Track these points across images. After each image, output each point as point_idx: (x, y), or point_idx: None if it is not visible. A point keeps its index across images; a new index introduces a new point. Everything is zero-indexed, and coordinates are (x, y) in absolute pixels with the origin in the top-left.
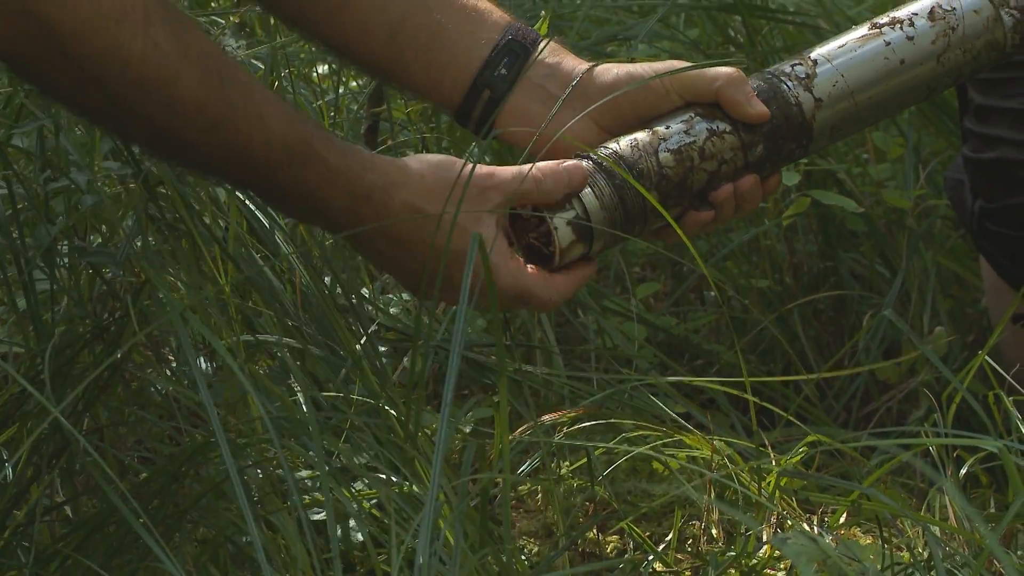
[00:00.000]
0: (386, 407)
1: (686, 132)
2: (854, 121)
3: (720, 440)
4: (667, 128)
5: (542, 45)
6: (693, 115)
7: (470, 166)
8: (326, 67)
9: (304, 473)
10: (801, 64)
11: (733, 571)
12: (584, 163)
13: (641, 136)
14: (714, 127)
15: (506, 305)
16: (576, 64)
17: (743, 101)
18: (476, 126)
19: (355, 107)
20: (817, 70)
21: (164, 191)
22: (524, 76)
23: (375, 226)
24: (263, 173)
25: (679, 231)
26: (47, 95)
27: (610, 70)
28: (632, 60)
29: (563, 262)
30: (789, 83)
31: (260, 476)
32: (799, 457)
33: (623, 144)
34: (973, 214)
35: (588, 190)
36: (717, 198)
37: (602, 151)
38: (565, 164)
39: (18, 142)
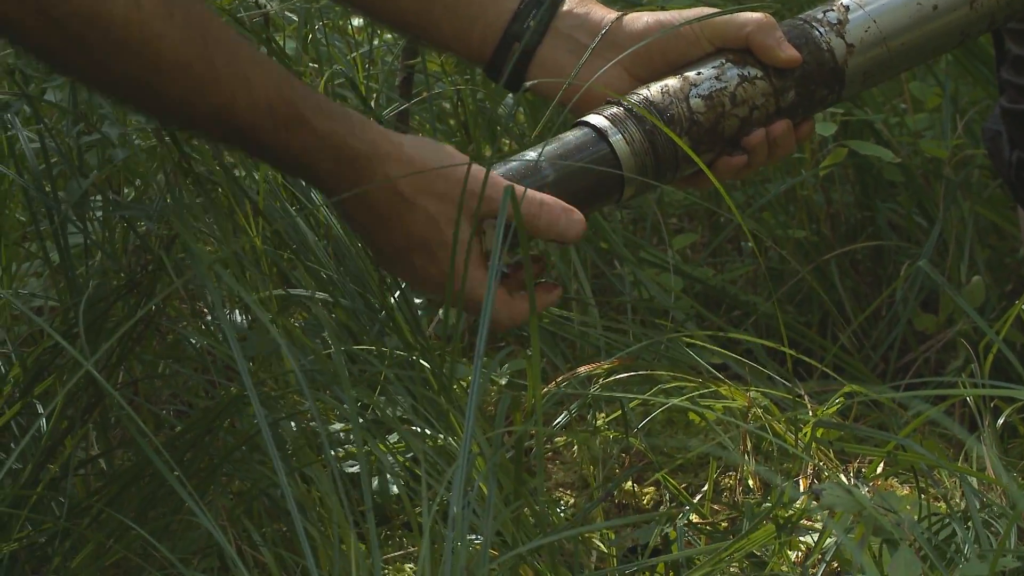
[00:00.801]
0: (420, 360)
1: (717, 78)
2: (887, 67)
3: (756, 391)
4: (698, 74)
5: None
6: (724, 61)
7: (464, 164)
8: (360, 20)
9: (338, 426)
10: (833, 10)
11: (768, 522)
12: (615, 109)
13: (672, 82)
14: (745, 73)
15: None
16: (605, 13)
17: (774, 45)
18: (507, 79)
19: (390, 59)
20: (849, 16)
21: (196, 143)
22: (553, 27)
23: (351, 193)
24: (248, 135)
25: (711, 176)
26: (32, 55)
27: (639, 18)
28: (661, 7)
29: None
30: (821, 29)
31: (294, 429)
32: (835, 408)
33: (653, 90)
34: (1011, 165)
35: (619, 136)
36: (750, 143)
37: (632, 97)
38: (571, 211)
39: (50, 96)
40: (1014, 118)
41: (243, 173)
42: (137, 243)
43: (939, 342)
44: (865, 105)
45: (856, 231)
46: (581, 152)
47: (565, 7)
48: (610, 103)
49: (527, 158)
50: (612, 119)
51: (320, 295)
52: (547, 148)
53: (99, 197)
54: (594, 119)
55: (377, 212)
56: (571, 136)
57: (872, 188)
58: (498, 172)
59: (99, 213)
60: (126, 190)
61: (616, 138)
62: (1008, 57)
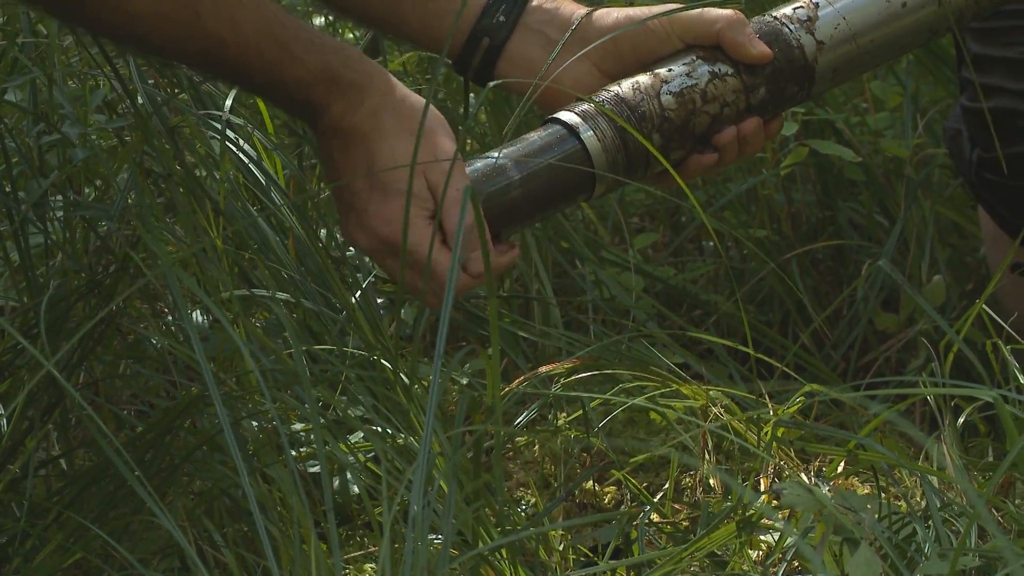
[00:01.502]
0: (381, 359)
1: (688, 75)
2: (856, 64)
3: (717, 390)
4: (669, 71)
5: None
6: (695, 58)
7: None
8: (322, 18)
9: (299, 426)
10: (803, 7)
11: (729, 521)
12: (586, 105)
13: (643, 79)
14: (716, 70)
15: (393, 270)
16: (575, 9)
17: (744, 42)
18: (476, 74)
19: None
20: (819, 13)
21: (157, 144)
22: (522, 22)
23: (331, 126)
24: (239, 74)
25: (676, 176)
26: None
27: (609, 14)
28: (631, 3)
29: None
30: (791, 26)
31: (256, 429)
32: (796, 407)
33: (625, 87)
34: (971, 164)
35: (591, 133)
36: (720, 140)
37: (604, 94)
38: (500, 248)
39: (11, 96)
40: (975, 117)
41: (203, 173)
42: (98, 243)
43: (900, 341)
44: (826, 104)
45: (817, 230)
46: (552, 149)
47: (534, 3)
48: (581, 100)
49: (494, 156)
50: (583, 115)
51: (281, 295)
52: (517, 145)
53: (60, 197)
54: (565, 116)
55: (352, 141)
56: (542, 133)
57: (833, 187)
58: (466, 171)
59: (60, 213)
60: (87, 190)
61: (587, 135)
62: (969, 56)
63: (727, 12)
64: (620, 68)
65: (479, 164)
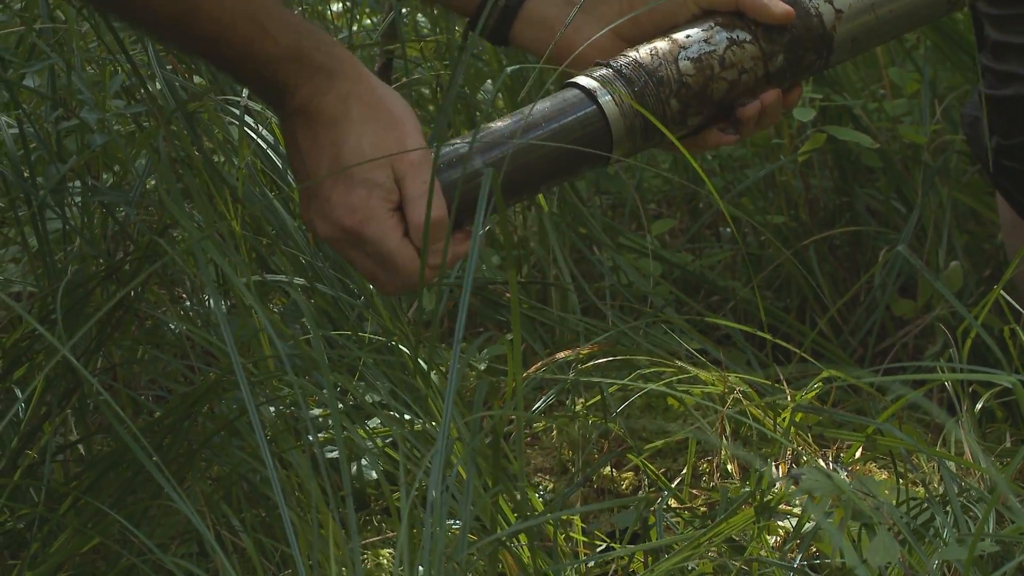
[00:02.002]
0: (399, 345)
1: (706, 41)
2: (875, 34)
3: (735, 376)
4: (687, 37)
5: None
6: (713, 24)
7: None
8: (340, 5)
9: (316, 411)
10: None
11: (747, 507)
12: (604, 70)
13: (661, 44)
14: (734, 36)
15: (354, 260)
16: None
17: (766, 2)
18: (491, 34)
19: (369, 43)
20: None
21: (175, 129)
22: None
23: (298, 107)
24: (211, 47)
25: (684, 151)
26: None
27: None
28: None
29: None
30: None
31: (273, 414)
32: (814, 393)
33: (643, 52)
34: (990, 151)
35: (609, 97)
36: (744, 114)
37: (621, 59)
38: (457, 238)
39: (29, 82)
40: (993, 104)
41: (222, 159)
42: (116, 229)
43: (917, 327)
44: (844, 91)
45: (835, 217)
46: (570, 112)
47: None
48: (599, 64)
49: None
50: (601, 80)
51: (298, 280)
52: (536, 108)
53: (78, 183)
54: (583, 80)
55: (318, 125)
56: (560, 97)
57: (851, 174)
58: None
59: (78, 199)
60: (105, 176)
61: (605, 99)
62: (988, 43)
63: None
64: (638, 33)
65: (500, 125)
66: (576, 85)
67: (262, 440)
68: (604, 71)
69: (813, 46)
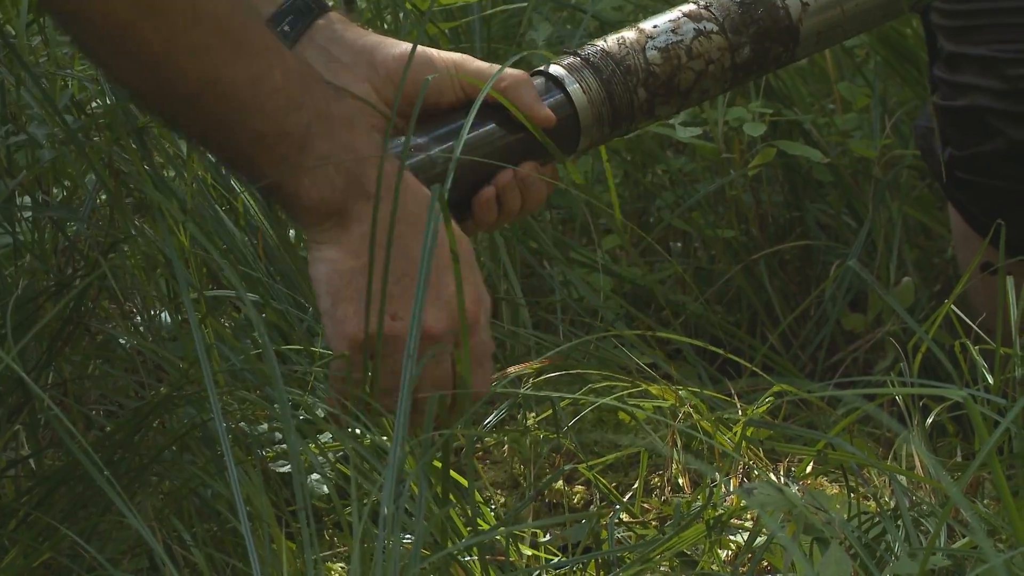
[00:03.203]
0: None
1: (673, 31)
2: (840, 29)
3: (686, 390)
4: (654, 27)
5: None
6: (681, 15)
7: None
8: None
9: (265, 426)
10: None
11: (699, 521)
12: (571, 59)
13: (628, 34)
14: (701, 27)
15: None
16: (363, 34)
17: (530, 102)
18: None
19: None
20: None
21: (123, 144)
22: (307, 35)
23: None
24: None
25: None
26: None
27: (397, 45)
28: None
29: None
30: None
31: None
32: (765, 407)
33: (610, 41)
34: (943, 162)
35: (576, 85)
36: (478, 201)
37: (588, 48)
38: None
39: None
40: (947, 115)
41: (171, 174)
42: (66, 243)
43: (868, 342)
44: (794, 105)
45: (785, 231)
46: None
47: (322, 21)
48: (566, 53)
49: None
50: (569, 68)
51: (252, 296)
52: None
53: (28, 198)
54: (551, 68)
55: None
56: None
57: (801, 188)
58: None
59: (28, 214)
60: (55, 190)
61: (573, 87)
62: (941, 55)
63: (514, 72)
64: (395, 94)
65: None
66: (543, 73)
67: (228, 452)
68: (572, 59)
69: (779, 38)
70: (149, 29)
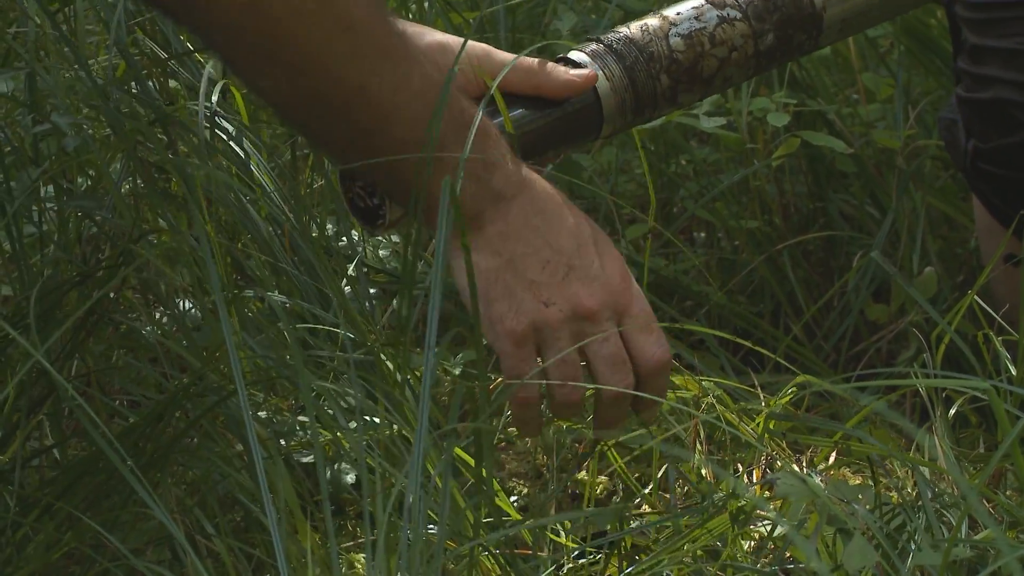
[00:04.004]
0: (374, 349)
1: (696, 18)
2: (864, 17)
3: (709, 381)
4: (677, 14)
5: None
6: (704, 2)
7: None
8: None
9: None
10: None
11: (722, 513)
12: (595, 45)
13: (651, 21)
14: (725, 14)
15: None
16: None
17: (565, 78)
18: None
19: None
20: None
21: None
22: None
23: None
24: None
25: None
26: None
27: (423, 34)
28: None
29: (391, 222)
30: None
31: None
32: (788, 398)
33: (633, 28)
34: (966, 154)
35: (599, 72)
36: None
37: (612, 34)
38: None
39: (2, 87)
40: (971, 108)
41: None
42: (93, 231)
43: (891, 332)
44: (818, 96)
45: (808, 221)
46: None
47: None
48: (589, 39)
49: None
50: (592, 55)
51: (275, 289)
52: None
53: (52, 188)
54: (574, 55)
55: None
56: None
57: (824, 179)
58: None
59: (52, 204)
60: (79, 180)
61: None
62: (965, 47)
63: (527, 60)
64: None
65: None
66: (566, 60)
67: (254, 441)
68: (595, 46)
69: (803, 26)
70: (303, 36)
